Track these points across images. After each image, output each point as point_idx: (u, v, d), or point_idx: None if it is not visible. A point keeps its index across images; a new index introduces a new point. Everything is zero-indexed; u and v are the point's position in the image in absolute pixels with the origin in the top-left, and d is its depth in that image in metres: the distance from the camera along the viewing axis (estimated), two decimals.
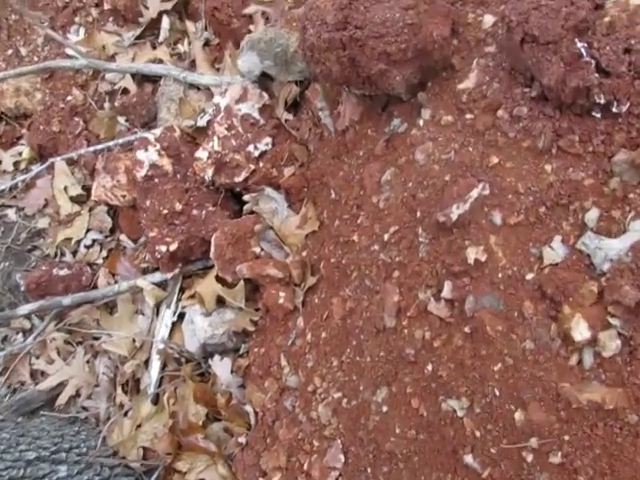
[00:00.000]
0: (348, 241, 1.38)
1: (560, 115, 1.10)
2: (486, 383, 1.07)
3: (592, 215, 1.06)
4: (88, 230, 2.12)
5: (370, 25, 1.19)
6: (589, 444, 0.96)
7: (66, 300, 1.88)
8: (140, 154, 1.71)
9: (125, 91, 2.05)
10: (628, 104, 1.05)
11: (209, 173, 1.66)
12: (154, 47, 2.08)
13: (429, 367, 1.15)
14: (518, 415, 1.03)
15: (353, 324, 1.32)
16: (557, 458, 0.98)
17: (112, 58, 2.11)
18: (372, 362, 1.27)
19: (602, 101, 1.04)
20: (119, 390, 1.95)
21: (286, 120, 1.66)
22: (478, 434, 1.08)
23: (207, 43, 2.01)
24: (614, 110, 1.05)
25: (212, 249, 1.67)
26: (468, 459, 1.08)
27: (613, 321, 0.99)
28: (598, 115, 1.08)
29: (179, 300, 1.90)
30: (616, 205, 1.05)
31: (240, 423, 1.73)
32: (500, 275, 1.09)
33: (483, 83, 1.18)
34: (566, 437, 0.98)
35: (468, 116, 1.19)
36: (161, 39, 2.07)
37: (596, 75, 1.02)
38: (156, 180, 1.73)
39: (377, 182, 1.32)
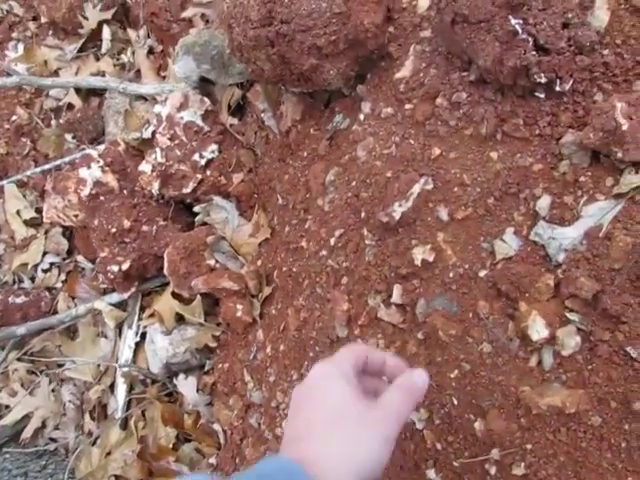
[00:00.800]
0: (297, 248, 1.30)
1: (502, 98, 1.02)
2: (444, 392, 1.00)
3: (543, 203, 0.98)
4: (45, 253, 2.04)
5: (296, 18, 1.11)
6: (553, 452, 0.89)
7: (20, 329, 1.80)
8: (83, 172, 1.63)
9: (70, 107, 1.97)
10: (571, 81, 0.97)
11: (155, 186, 1.58)
12: (98, 59, 1.99)
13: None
14: (478, 425, 0.96)
15: (308, 335, 1.25)
16: (520, 469, 0.91)
17: (55, 73, 2.02)
18: None
19: (543, 80, 0.96)
20: (87, 417, 1.87)
21: (231, 125, 1.58)
22: (439, 447, 1.00)
23: (151, 51, 1.93)
24: (557, 89, 0.98)
25: (165, 265, 1.60)
26: (431, 474, 1.01)
27: (571, 316, 0.91)
28: (542, 95, 1.00)
29: (140, 319, 1.82)
30: (568, 190, 0.97)
31: (210, 443, 1.66)
32: (451, 274, 1.02)
33: (420, 70, 1.10)
34: (528, 446, 0.91)
35: (407, 106, 1.11)
36: (104, 50, 1.99)
37: (534, 53, 0.95)
38: (102, 198, 1.64)
39: (322, 183, 1.24)
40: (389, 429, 0.70)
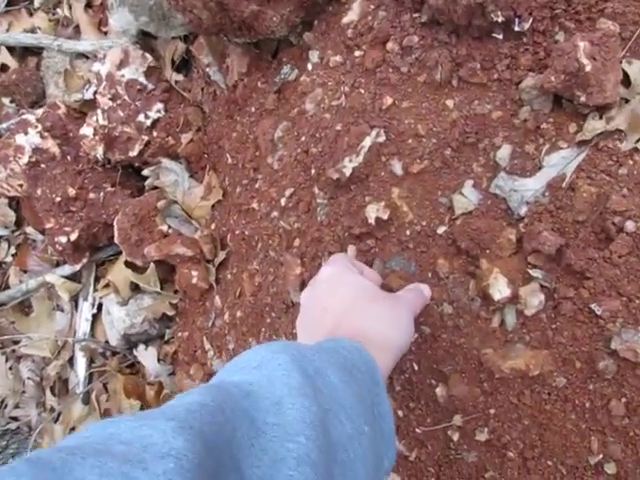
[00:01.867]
0: (249, 209, 1.22)
1: (457, 40, 0.94)
2: (403, 357, 0.94)
3: (504, 152, 0.92)
4: None
5: None
6: (516, 416, 0.85)
7: None
8: (20, 138, 1.52)
9: (4, 68, 1.82)
10: (531, 20, 0.89)
11: (100, 151, 1.48)
12: (31, 14, 1.84)
13: None
14: (440, 390, 0.91)
15: (263, 301, 1.18)
16: (484, 435, 0.87)
17: None
18: (287, 340, 1.14)
19: (501, 19, 0.88)
20: (48, 394, 1.80)
21: (176, 82, 1.47)
22: (401, 414, 0.95)
23: (89, 4, 1.78)
24: (516, 28, 0.90)
25: (116, 233, 1.51)
26: None
27: (534, 273, 0.86)
28: (499, 36, 0.92)
29: (95, 291, 1.74)
30: (529, 138, 0.91)
31: None
32: (407, 232, 0.96)
33: (368, 13, 1.01)
34: (492, 411, 0.86)
35: (357, 53, 1.02)
36: (37, 4, 1.83)
37: None
38: (43, 165, 1.54)
39: (271, 140, 1.16)
40: (411, 311, 0.77)
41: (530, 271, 0.86)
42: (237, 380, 0.55)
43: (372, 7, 1.00)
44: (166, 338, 1.65)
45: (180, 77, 1.48)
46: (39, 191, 1.56)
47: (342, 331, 0.68)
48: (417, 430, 0.94)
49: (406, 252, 0.96)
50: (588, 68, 0.82)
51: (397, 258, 0.96)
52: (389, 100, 0.97)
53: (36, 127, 1.53)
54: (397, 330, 0.72)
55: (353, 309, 0.71)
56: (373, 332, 0.69)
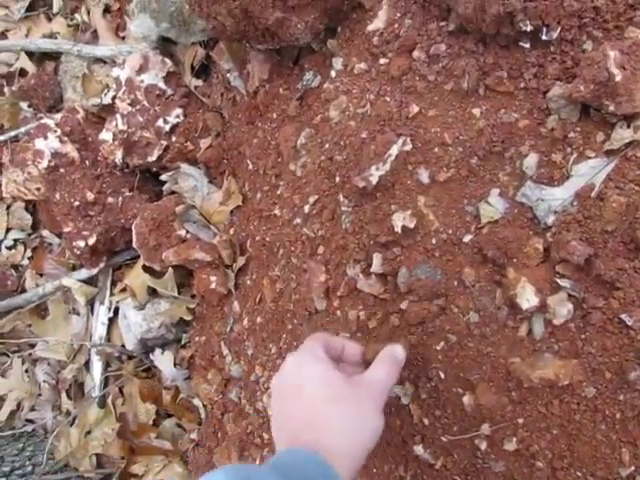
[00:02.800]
0: (270, 215, 1.23)
1: (484, 49, 0.94)
2: (429, 365, 0.95)
3: (530, 161, 0.92)
4: (8, 230, 1.93)
5: None
6: (545, 425, 0.85)
7: None
8: (39, 143, 1.53)
9: (23, 72, 1.83)
10: (559, 29, 0.89)
11: (119, 155, 1.49)
12: (49, 19, 1.85)
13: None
14: (467, 399, 0.91)
15: (285, 307, 1.19)
16: (512, 444, 0.87)
17: (2, 35, 1.88)
18: None
19: (529, 28, 0.88)
20: (63, 397, 1.81)
21: (195, 87, 1.48)
22: (427, 422, 0.96)
23: (107, 10, 1.79)
24: (544, 38, 0.90)
25: (134, 238, 1.52)
26: (419, 450, 0.97)
27: (562, 282, 0.86)
28: (527, 45, 0.92)
29: (112, 295, 1.75)
30: (556, 147, 0.90)
31: (190, 418, 1.62)
32: (434, 241, 0.96)
33: (394, 21, 1.01)
34: (520, 420, 0.86)
35: (382, 61, 1.02)
36: (55, 9, 1.85)
37: None
38: (62, 170, 1.55)
39: (293, 147, 1.16)
40: (380, 400, 0.75)
41: (558, 280, 0.86)
42: None
43: (398, 15, 1.00)
44: (183, 342, 1.66)
45: (199, 82, 1.48)
46: (57, 195, 1.56)
47: (302, 440, 0.68)
48: (443, 438, 0.94)
49: (432, 260, 0.96)
50: (618, 78, 0.82)
51: (423, 266, 0.96)
52: (415, 108, 0.97)
53: (55, 132, 1.54)
54: (361, 433, 0.71)
55: (314, 417, 0.70)
56: (334, 442, 0.68)
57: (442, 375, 0.94)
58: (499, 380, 0.88)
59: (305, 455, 0.65)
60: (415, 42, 0.97)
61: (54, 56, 1.84)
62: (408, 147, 0.96)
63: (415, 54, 0.98)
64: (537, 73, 0.92)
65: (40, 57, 1.85)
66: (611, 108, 0.85)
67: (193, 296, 1.59)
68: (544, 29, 0.89)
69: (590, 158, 0.88)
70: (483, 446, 0.89)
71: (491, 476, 0.89)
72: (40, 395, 1.85)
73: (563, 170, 0.90)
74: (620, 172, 0.86)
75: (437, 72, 0.96)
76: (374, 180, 0.96)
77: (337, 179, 1.04)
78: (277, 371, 1.19)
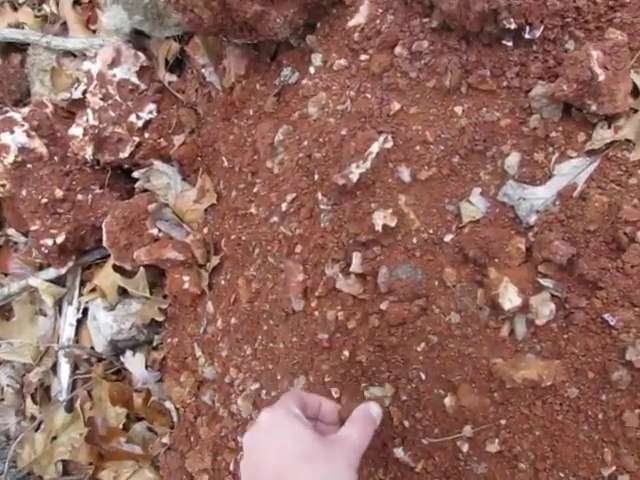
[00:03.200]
0: (246, 214, 1.20)
1: (467, 47, 0.93)
2: (410, 366, 0.94)
3: (512, 160, 0.91)
4: None
5: None
6: (528, 426, 0.84)
7: None
8: (5, 137, 1.47)
9: None
10: (542, 28, 0.89)
11: (89, 151, 1.44)
12: (15, 9, 1.79)
13: (346, 352, 1.00)
14: (448, 400, 0.90)
15: (260, 308, 1.16)
16: (494, 446, 0.86)
17: None
18: (286, 349, 1.12)
19: (513, 26, 0.87)
20: (28, 401, 1.75)
21: (169, 82, 1.44)
22: (407, 424, 0.94)
23: (77, 1, 1.74)
24: (527, 36, 0.89)
25: (104, 236, 1.47)
26: (399, 452, 0.95)
27: (545, 282, 0.86)
28: (509, 43, 0.92)
29: (81, 295, 1.70)
30: (538, 147, 0.90)
31: (162, 421, 1.57)
32: (414, 240, 0.94)
33: (376, 17, 1.00)
34: (503, 421, 0.85)
35: (363, 57, 1.01)
36: None
37: None
38: (29, 166, 1.49)
39: (270, 144, 1.14)
40: (354, 460, 0.72)
41: (540, 280, 0.86)
42: None
43: (380, 11, 0.99)
44: (154, 344, 1.61)
45: (173, 78, 1.44)
46: (24, 192, 1.51)
47: None
48: (424, 441, 0.92)
49: (413, 260, 0.94)
50: (601, 77, 0.82)
51: (404, 266, 0.94)
52: (397, 105, 0.96)
53: (22, 126, 1.48)
54: None
55: (284, 475, 0.69)
56: None
57: (423, 376, 0.92)
58: (481, 381, 0.87)
59: None
60: (397, 38, 0.96)
61: (20, 48, 1.77)
62: (389, 145, 0.94)
63: (397, 50, 0.96)
64: (519, 72, 0.91)
65: (5, 48, 1.78)
66: (593, 108, 0.85)
67: (165, 296, 1.55)
68: (527, 27, 0.89)
69: (572, 158, 0.88)
70: (465, 448, 0.88)
71: (473, 478, 0.88)
72: (2, 400, 1.79)
73: (545, 169, 0.90)
74: (602, 172, 0.86)
75: (419, 69, 0.95)
76: (354, 178, 0.94)
77: (316, 177, 1.02)
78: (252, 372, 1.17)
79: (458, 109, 0.93)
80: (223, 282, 1.33)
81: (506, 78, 0.92)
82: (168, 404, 1.54)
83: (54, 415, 1.67)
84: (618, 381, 0.79)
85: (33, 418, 1.73)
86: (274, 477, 0.68)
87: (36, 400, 1.73)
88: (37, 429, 1.68)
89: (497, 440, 0.86)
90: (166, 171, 1.43)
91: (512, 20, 0.86)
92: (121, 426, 1.61)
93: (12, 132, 1.47)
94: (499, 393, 0.86)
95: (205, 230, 1.39)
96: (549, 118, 0.90)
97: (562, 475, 0.82)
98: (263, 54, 1.23)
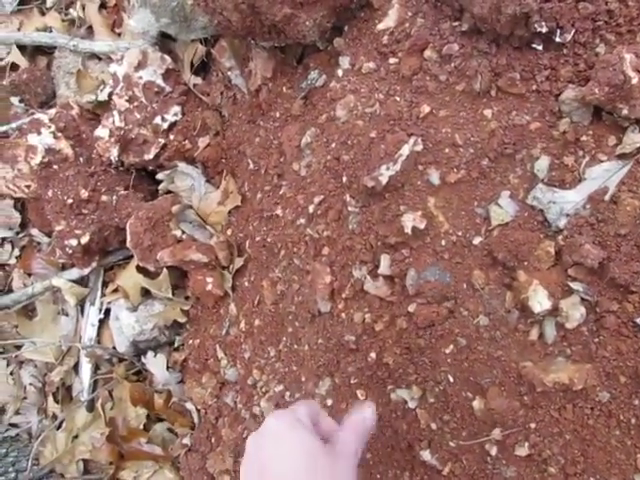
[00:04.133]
0: (272, 216, 1.21)
1: (497, 50, 0.93)
2: (438, 369, 0.93)
3: (542, 164, 0.91)
4: None
5: None
6: (558, 430, 0.84)
7: None
8: (32, 138, 1.49)
9: (14, 67, 1.79)
10: (573, 31, 0.89)
11: (114, 153, 1.45)
12: (43, 13, 1.82)
13: (372, 354, 1.00)
14: (477, 403, 0.90)
15: (286, 309, 1.17)
16: (524, 449, 0.85)
17: None
18: (311, 351, 1.12)
19: (544, 29, 0.88)
20: (50, 400, 1.76)
21: (195, 85, 1.45)
22: (434, 426, 0.94)
23: (103, 5, 1.76)
24: (557, 40, 0.89)
25: (128, 237, 1.48)
26: (425, 455, 0.95)
27: (575, 286, 0.85)
28: (540, 47, 0.92)
29: (103, 295, 1.71)
30: (568, 150, 0.90)
31: (183, 422, 1.58)
32: (443, 242, 0.95)
33: (405, 20, 1.00)
34: (532, 425, 0.85)
35: (392, 60, 1.01)
36: (49, 3, 1.81)
37: None
38: (55, 167, 1.51)
39: (297, 146, 1.14)
40: (353, 465, 0.72)
41: (571, 284, 0.86)
42: None
43: (410, 14, 0.99)
44: (176, 345, 1.62)
45: (198, 80, 1.46)
46: (50, 192, 1.53)
47: None
48: (451, 443, 0.92)
49: (441, 262, 0.94)
50: (634, 81, 0.82)
51: (432, 268, 0.95)
52: (426, 108, 0.96)
53: (49, 127, 1.50)
54: None
55: None
56: None
57: (451, 379, 0.92)
58: (510, 384, 0.87)
59: None
60: (427, 41, 0.96)
61: (47, 51, 1.80)
62: (419, 147, 0.94)
63: (427, 54, 0.97)
64: (549, 75, 0.91)
65: (32, 52, 1.81)
66: (624, 112, 0.85)
67: (187, 298, 1.56)
68: (558, 31, 0.89)
69: (602, 161, 0.88)
70: (493, 451, 0.88)
71: None
72: (25, 398, 1.81)
73: (575, 173, 0.89)
74: (633, 176, 0.85)
75: (449, 72, 0.96)
76: (384, 180, 0.95)
77: (344, 179, 1.02)
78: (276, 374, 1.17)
79: (488, 112, 0.94)
80: (247, 284, 1.34)
81: (536, 82, 0.92)
82: (189, 405, 1.55)
83: (75, 414, 1.69)
84: None
85: (55, 417, 1.74)
86: None
87: (58, 399, 1.75)
88: (59, 428, 1.69)
89: (527, 444, 0.85)
90: (190, 173, 1.45)
91: (543, 23, 0.86)
92: (142, 426, 1.62)
93: (39, 133, 1.49)
94: (529, 396, 0.85)
95: (229, 232, 1.40)
96: (579, 122, 0.89)
97: None
98: (290, 57, 1.23)
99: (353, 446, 0.74)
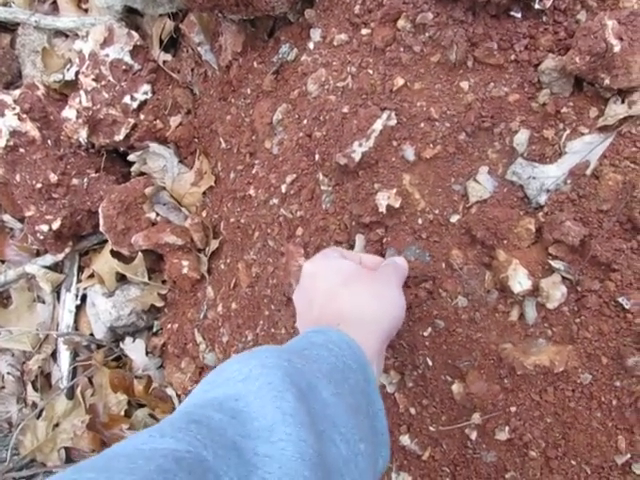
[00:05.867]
0: (245, 196, 1.16)
1: (473, 19, 0.89)
2: (416, 352, 0.90)
3: (521, 138, 0.87)
4: None
5: None
6: (539, 414, 0.81)
7: None
8: None
9: None
10: None
11: (83, 134, 1.40)
12: None
13: None
14: (456, 387, 0.87)
15: (261, 292, 1.13)
16: (504, 433, 0.83)
17: None
18: (288, 334, 1.09)
19: None
20: (29, 389, 1.73)
21: (164, 62, 1.39)
22: (413, 411, 0.91)
23: None
24: (537, 7, 0.85)
25: (101, 221, 1.44)
26: (405, 440, 0.92)
27: (556, 264, 0.82)
28: (518, 15, 0.87)
29: (79, 281, 1.67)
30: (548, 123, 0.86)
31: (164, 408, 1.55)
32: (420, 221, 0.91)
33: None
34: (513, 409, 0.82)
35: (364, 31, 0.96)
36: None
37: None
38: (22, 150, 1.45)
39: (269, 123, 1.10)
40: (395, 279, 0.80)
41: (551, 262, 0.82)
42: (221, 396, 0.50)
43: None
44: (154, 330, 1.59)
45: (168, 57, 1.40)
46: (18, 177, 1.47)
47: (325, 319, 0.70)
48: (431, 428, 0.90)
49: (419, 242, 0.91)
50: (616, 49, 0.78)
51: (410, 248, 0.91)
52: (400, 81, 0.91)
53: (14, 109, 1.44)
54: (376, 303, 0.72)
55: (331, 296, 0.73)
56: (349, 311, 0.70)
57: (430, 362, 0.89)
58: (490, 367, 0.84)
59: (336, 335, 0.65)
60: (400, 11, 0.92)
61: (10, 28, 1.72)
62: (393, 122, 0.90)
63: (400, 23, 0.92)
64: (528, 44, 0.87)
65: None
66: (607, 82, 0.81)
67: (164, 282, 1.52)
68: None
69: (584, 134, 0.84)
70: (473, 436, 0.86)
71: (482, 467, 0.85)
72: (4, 387, 1.77)
73: (555, 147, 0.86)
74: (615, 149, 0.82)
75: (423, 43, 0.91)
76: (357, 157, 0.90)
77: (316, 157, 0.98)
78: None
79: (464, 84, 0.89)
80: (223, 266, 1.30)
81: (514, 51, 0.88)
82: (169, 390, 1.52)
83: (55, 402, 1.65)
84: (633, 367, 0.76)
85: (34, 405, 1.71)
86: (321, 304, 0.74)
87: (37, 387, 1.72)
88: (39, 416, 1.66)
89: (507, 428, 0.83)
90: (162, 153, 1.40)
91: None
92: (122, 413, 1.59)
93: (3, 115, 1.44)
94: (509, 379, 0.83)
95: (204, 213, 1.36)
96: (559, 93, 0.85)
97: (574, 463, 0.79)
98: (260, 31, 1.18)
99: (392, 270, 0.82)
